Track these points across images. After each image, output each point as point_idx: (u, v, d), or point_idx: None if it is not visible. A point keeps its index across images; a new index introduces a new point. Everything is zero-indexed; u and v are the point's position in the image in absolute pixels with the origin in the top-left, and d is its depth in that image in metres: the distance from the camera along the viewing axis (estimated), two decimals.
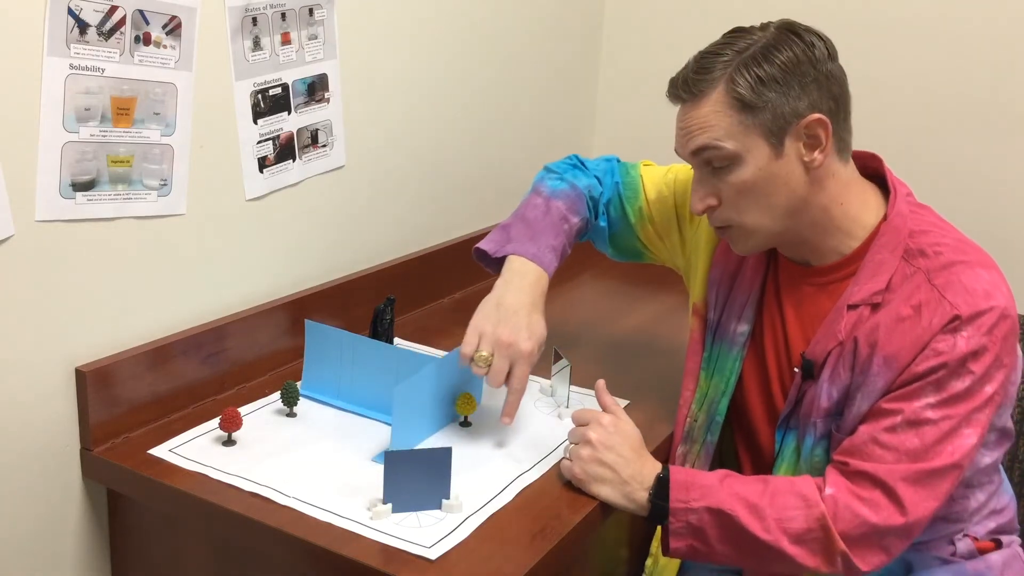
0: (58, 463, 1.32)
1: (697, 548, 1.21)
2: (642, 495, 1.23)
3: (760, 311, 1.37)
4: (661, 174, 1.54)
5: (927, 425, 1.16)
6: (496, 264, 1.46)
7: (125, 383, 1.35)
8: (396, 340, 1.68)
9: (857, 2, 2.05)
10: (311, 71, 1.58)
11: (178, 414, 1.41)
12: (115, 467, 1.30)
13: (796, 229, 1.27)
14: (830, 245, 1.28)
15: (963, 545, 1.29)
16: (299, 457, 1.31)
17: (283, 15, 1.51)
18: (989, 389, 1.17)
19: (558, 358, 1.50)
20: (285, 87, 1.54)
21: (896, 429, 1.17)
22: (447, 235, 2.00)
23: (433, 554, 1.11)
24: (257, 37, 1.47)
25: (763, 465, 1.37)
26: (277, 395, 1.45)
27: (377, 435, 1.38)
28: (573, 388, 1.51)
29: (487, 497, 1.24)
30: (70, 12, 1.21)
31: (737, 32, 1.25)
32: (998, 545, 1.31)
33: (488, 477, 1.28)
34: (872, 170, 1.31)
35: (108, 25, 1.26)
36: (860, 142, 1.30)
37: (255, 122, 1.50)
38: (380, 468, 1.20)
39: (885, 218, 1.26)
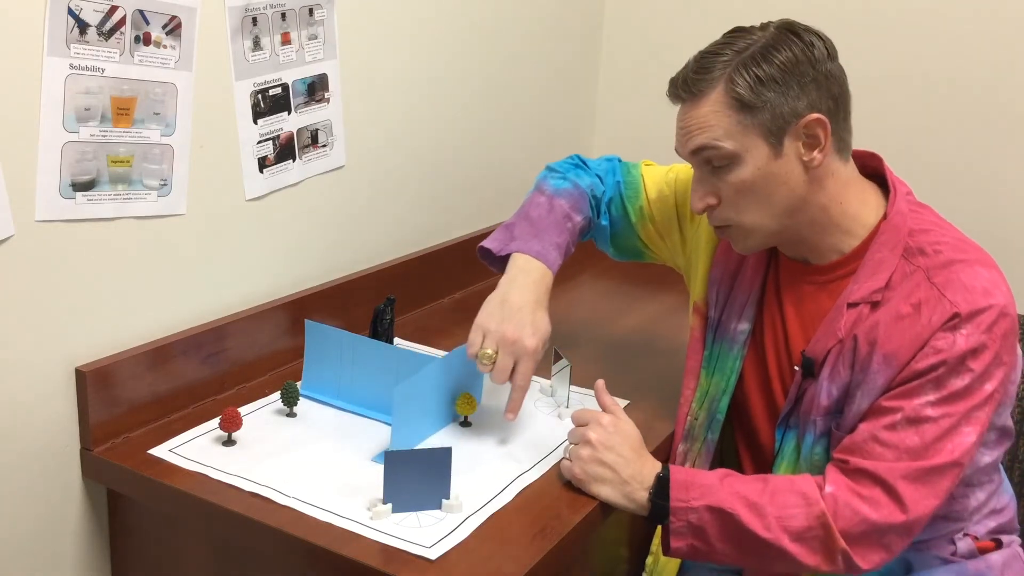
0: (58, 463, 1.32)
1: (698, 547, 1.21)
2: (642, 495, 1.23)
3: (760, 310, 1.37)
4: (662, 173, 1.55)
5: (927, 423, 1.16)
6: (500, 262, 1.46)
7: (125, 383, 1.35)
8: (396, 340, 1.68)
9: (857, 2, 2.05)
10: (311, 71, 1.58)
11: (178, 414, 1.41)
12: (115, 467, 1.30)
13: (795, 228, 1.27)
14: (829, 244, 1.28)
15: (963, 544, 1.29)
16: (299, 457, 1.31)
17: (283, 15, 1.51)
18: (989, 387, 1.17)
19: (558, 358, 1.50)
20: (285, 87, 1.54)
21: (896, 427, 1.17)
22: (447, 235, 2.00)
23: (433, 554, 1.11)
24: (257, 37, 1.47)
25: (763, 463, 1.37)
26: (277, 395, 1.45)
27: (377, 435, 1.38)
28: (573, 388, 1.51)
29: (487, 497, 1.24)
30: (70, 12, 1.21)
31: (737, 32, 1.25)
32: (998, 545, 1.31)
33: (488, 477, 1.28)
34: (872, 169, 1.31)
35: (108, 25, 1.26)
36: (860, 141, 1.30)
37: (255, 122, 1.50)
38: (380, 468, 1.20)
39: (885, 217, 1.26)
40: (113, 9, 1.26)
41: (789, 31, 1.22)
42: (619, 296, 2.05)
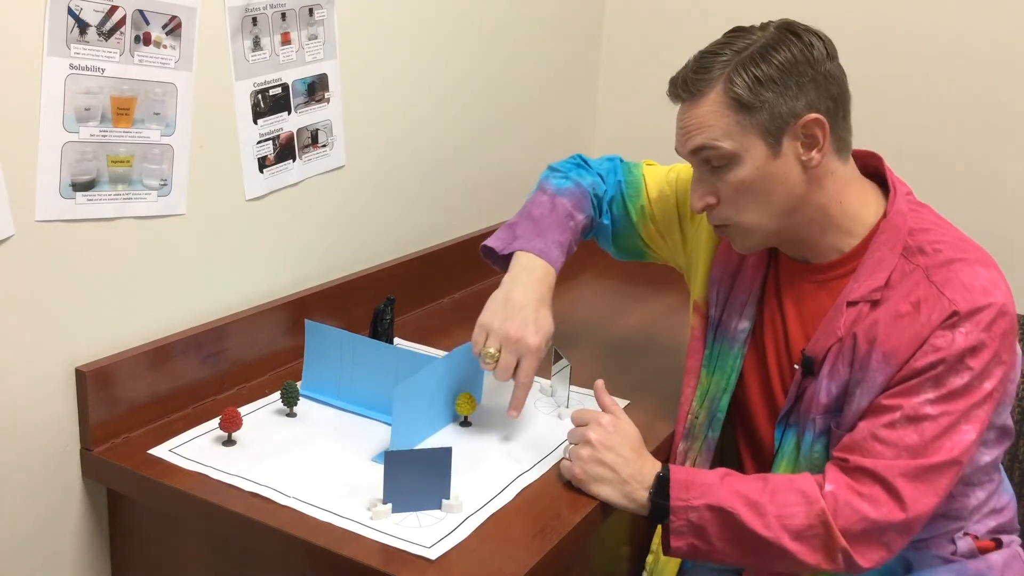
0: (58, 463, 1.32)
1: (698, 547, 1.21)
2: (642, 494, 1.23)
3: (761, 308, 1.37)
4: (663, 173, 1.55)
5: (926, 421, 1.16)
6: (503, 261, 1.46)
7: (125, 383, 1.35)
8: (396, 340, 1.68)
9: (857, 2, 2.05)
10: (311, 71, 1.58)
11: (178, 414, 1.41)
12: (115, 467, 1.30)
13: (795, 227, 1.27)
14: (829, 243, 1.28)
15: (963, 544, 1.29)
16: (299, 457, 1.31)
17: (283, 15, 1.51)
18: (988, 385, 1.17)
19: (558, 358, 1.50)
20: (285, 87, 1.54)
21: (895, 425, 1.17)
22: (447, 235, 2.00)
23: (433, 554, 1.11)
24: (257, 37, 1.47)
25: (764, 461, 1.37)
26: (277, 395, 1.45)
27: (377, 435, 1.38)
28: (573, 388, 1.51)
29: (487, 497, 1.24)
30: (70, 12, 1.21)
31: (737, 32, 1.25)
32: (998, 545, 1.31)
33: (488, 477, 1.28)
34: (872, 169, 1.32)
35: (108, 25, 1.26)
36: (860, 141, 1.30)
37: (255, 122, 1.50)
38: (380, 468, 1.20)
39: (885, 216, 1.26)
40: (113, 9, 1.26)
41: (788, 31, 1.23)
42: (619, 296, 2.05)
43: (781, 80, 1.20)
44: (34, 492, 1.30)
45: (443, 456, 1.19)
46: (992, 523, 1.32)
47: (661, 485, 1.22)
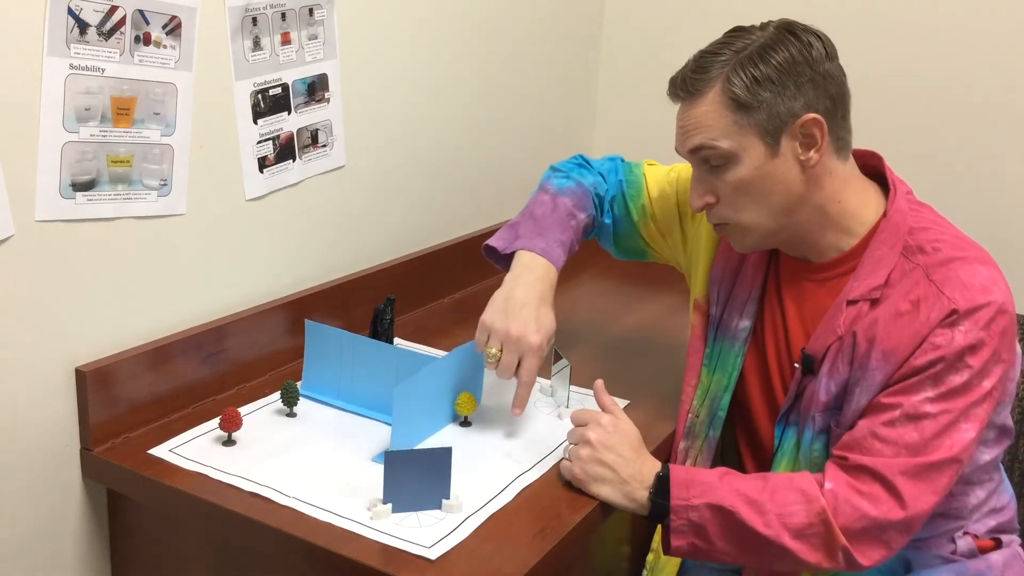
0: (58, 463, 1.32)
1: (698, 546, 1.21)
2: (642, 494, 1.23)
3: (761, 307, 1.37)
4: (664, 173, 1.56)
5: (926, 419, 1.16)
6: (505, 261, 1.47)
7: (125, 383, 1.35)
8: (396, 340, 1.68)
9: (857, 2, 2.06)
10: (311, 71, 1.58)
11: (178, 414, 1.41)
12: (115, 467, 1.30)
13: (794, 227, 1.28)
14: (829, 242, 1.28)
15: (963, 543, 1.29)
16: (299, 457, 1.31)
17: (283, 15, 1.51)
18: (987, 384, 1.17)
19: (558, 358, 1.50)
20: (285, 87, 1.54)
21: (895, 423, 1.17)
22: (447, 235, 2.00)
23: (433, 554, 1.11)
24: (257, 37, 1.47)
25: (763, 459, 1.37)
26: (277, 395, 1.45)
27: (377, 435, 1.38)
28: (573, 388, 1.51)
29: (487, 497, 1.24)
30: (70, 12, 1.21)
31: (736, 32, 1.25)
32: (998, 544, 1.31)
33: (488, 477, 1.28)
34: (872, 168, 1.32)
35: (108, 25, 1.26)
36: (860, 141, 1.30)
37: (255, 122, 1.50)
38: (380, 468, 1.20)
39: (885, 215, 1.26)
40: (113, 9, 1.26)
41: (788, 31, 1.23)
42: (619, 295, 2.05)
43: (779, 80, 1.20)
44: (34, 492, 1.30)
45: (443, 456, 1.19)
46: (992, 522, 1.32)
47: (661, 484, 1.22)
